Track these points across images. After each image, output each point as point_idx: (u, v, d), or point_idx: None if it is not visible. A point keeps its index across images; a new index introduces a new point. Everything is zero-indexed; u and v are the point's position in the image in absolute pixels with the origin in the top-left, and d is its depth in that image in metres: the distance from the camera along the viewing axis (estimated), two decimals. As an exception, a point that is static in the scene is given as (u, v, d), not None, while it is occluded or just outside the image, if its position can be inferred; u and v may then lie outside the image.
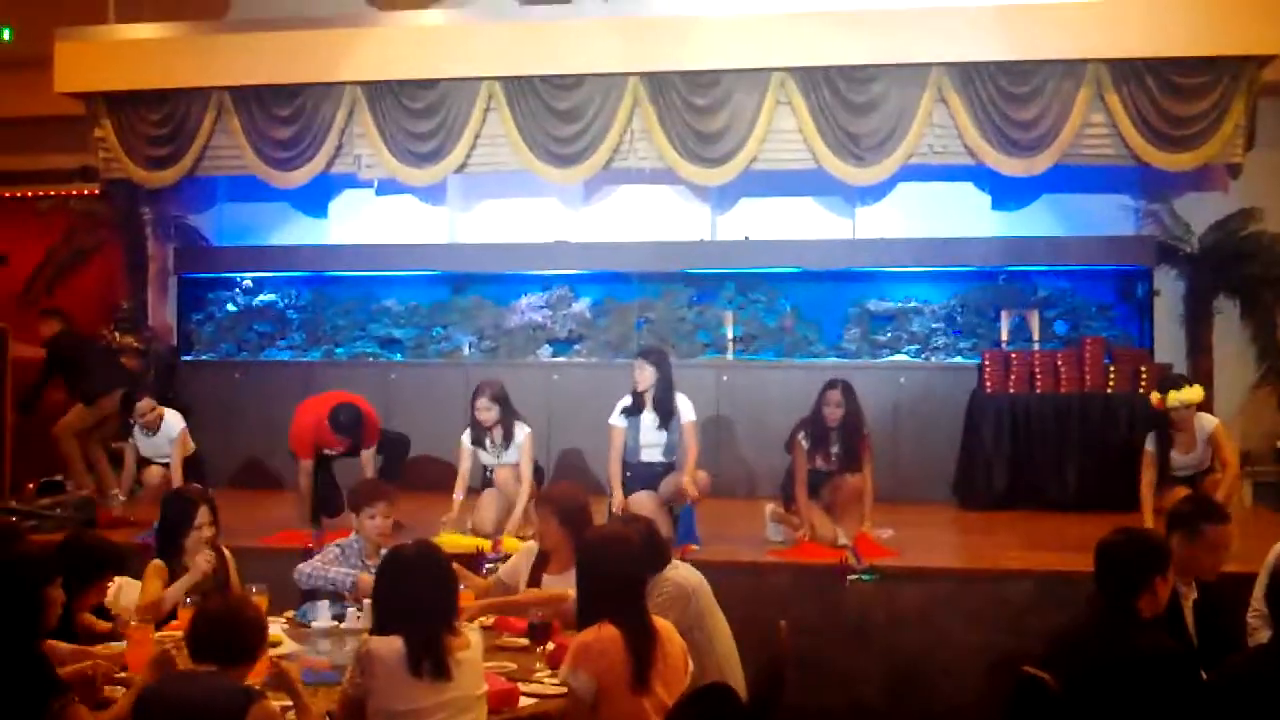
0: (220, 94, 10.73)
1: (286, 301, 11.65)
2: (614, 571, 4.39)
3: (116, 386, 9.79)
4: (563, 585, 5.35)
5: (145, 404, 8.67)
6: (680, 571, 5.14)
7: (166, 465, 8.71)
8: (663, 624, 4.43)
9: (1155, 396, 7.69)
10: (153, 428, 8.70)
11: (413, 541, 4.50)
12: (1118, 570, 4.36)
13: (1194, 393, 7.59)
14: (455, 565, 4.52)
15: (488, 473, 8.30)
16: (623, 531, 4.84)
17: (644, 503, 7.80)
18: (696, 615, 4.96)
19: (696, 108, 10.15)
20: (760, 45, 9.94)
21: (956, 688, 6.83)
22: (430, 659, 3.97)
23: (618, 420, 8.12)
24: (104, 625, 5.31)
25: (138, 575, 5.72)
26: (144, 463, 8.87)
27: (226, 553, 5.92)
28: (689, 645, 4.64)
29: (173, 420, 8.78)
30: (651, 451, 8.09)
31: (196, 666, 3.95)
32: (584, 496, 5.77)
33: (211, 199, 11.97)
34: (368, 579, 5.56)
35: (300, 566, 5.83)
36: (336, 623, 5.43)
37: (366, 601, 5.32)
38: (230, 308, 11.65)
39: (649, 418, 8.08)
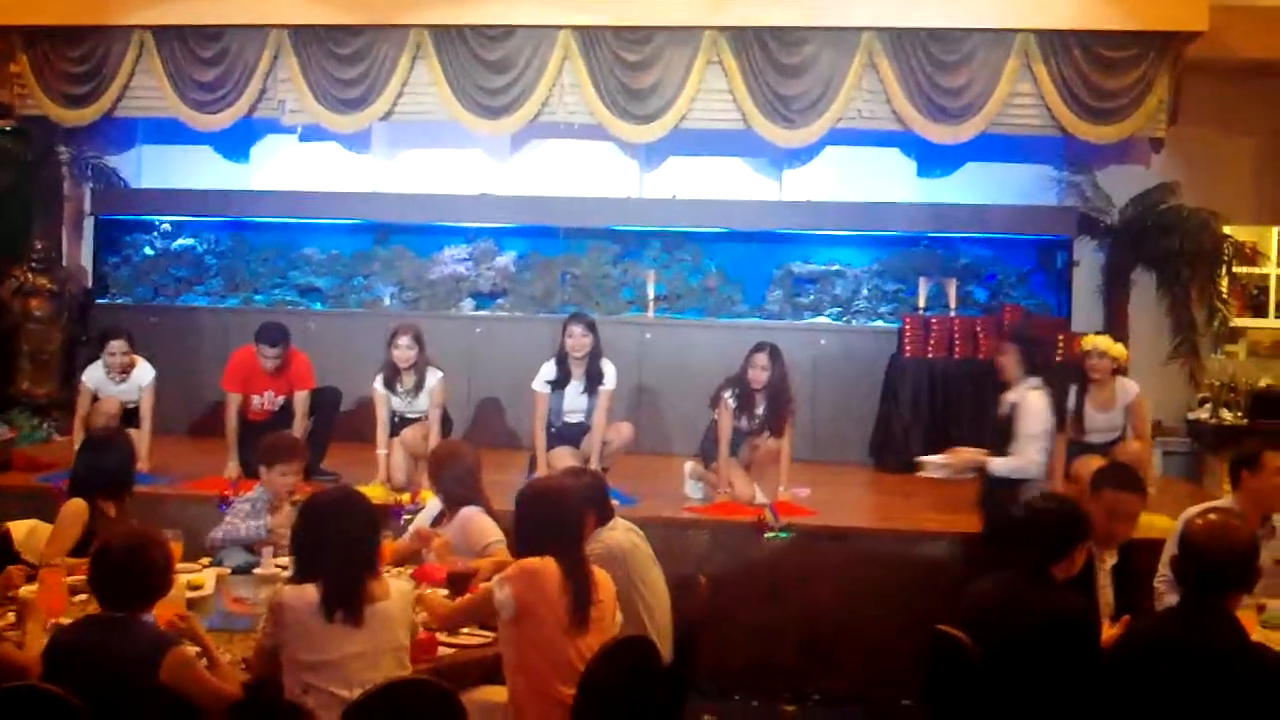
0: (142, 32, 10.46)
1: (205, 246, 11.44)
2: (554, 517, 4.41)
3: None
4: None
5: (120, 344, 8.39)
6: (615, 533, 5.05)
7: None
8: (599, 573, 4.44)
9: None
10: (124, 372, 8.45)
11: (333, 486, 4.47)
12: (1038, 534, 4.46)
13: (1113, 345, 7.77)
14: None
15: (395, 419, 8.19)
16: (561, 479, 4.88)
17: (565, 459, 7.78)
18: (625, 581, 4.84)
19: (627, 63, 10.08)
20: (693, 3, 9.87)
21: (870, 646, 6.92)
22: (344, 605, 3.93)
23: (541, 387, 8.07)
24: None
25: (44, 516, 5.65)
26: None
27: None
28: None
29: (145, 368, 8.53)
30: (575, 415, 8.10)
31: (106, 611, 3.91)
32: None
33: (131, 140, 11.69)
34: (279, 519, 5.52)
35: (212, 534, 5.74)
36: (251, 569, 5.38)
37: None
38: (148, 251, 11.42)
39: (575, 385, 8.05)
